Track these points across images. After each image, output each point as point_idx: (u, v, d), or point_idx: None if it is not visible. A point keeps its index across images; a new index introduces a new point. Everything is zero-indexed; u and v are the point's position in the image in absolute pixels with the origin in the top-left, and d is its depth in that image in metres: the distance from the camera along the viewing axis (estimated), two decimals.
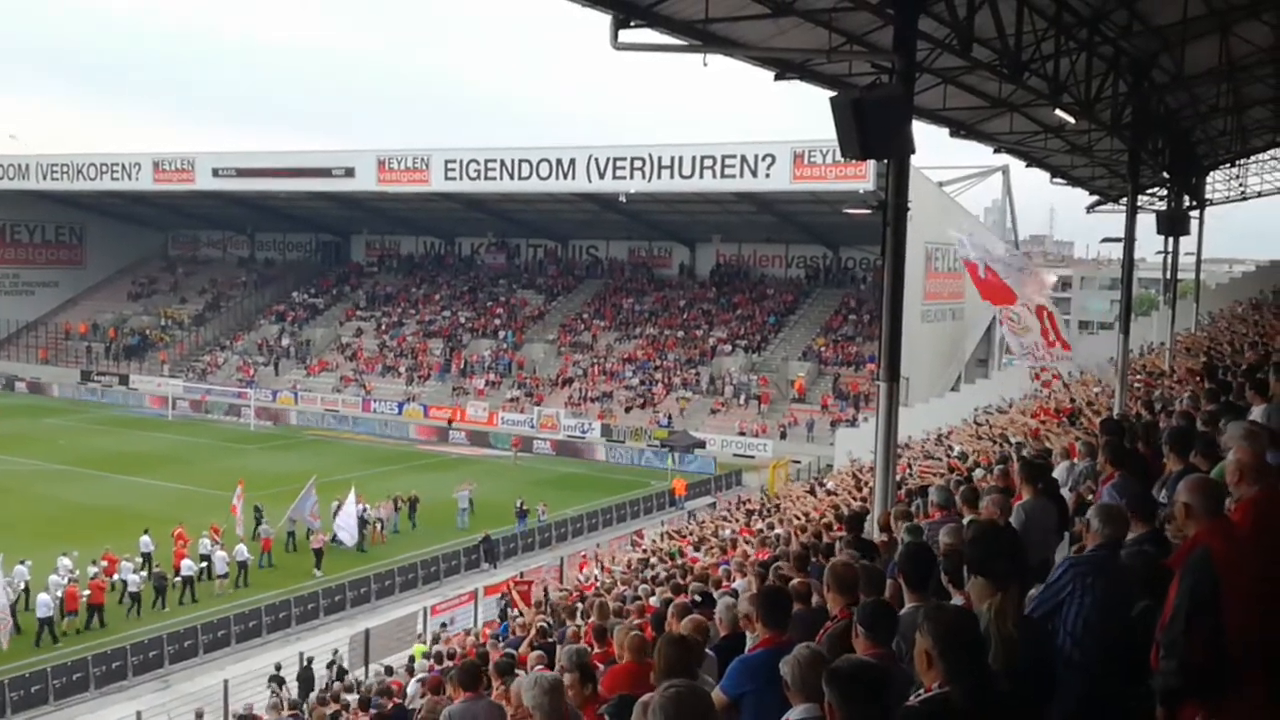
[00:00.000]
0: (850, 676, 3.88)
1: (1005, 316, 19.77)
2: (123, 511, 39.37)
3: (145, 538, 33.28)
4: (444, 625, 27.59)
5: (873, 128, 11.78)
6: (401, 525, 39.52)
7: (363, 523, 36.97)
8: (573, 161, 58.95)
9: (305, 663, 25.10)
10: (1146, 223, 31.36)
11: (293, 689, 23.35)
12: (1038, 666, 4.79)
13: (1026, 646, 4.76)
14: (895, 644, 5.38)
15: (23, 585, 29.29)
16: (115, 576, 30.55)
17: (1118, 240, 27.12)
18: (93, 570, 30.06)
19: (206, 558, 32.68)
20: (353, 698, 17.80)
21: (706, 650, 7.36)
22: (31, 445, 53.23)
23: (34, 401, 70.33)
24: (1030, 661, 4.72)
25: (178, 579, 31.44)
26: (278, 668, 24.65)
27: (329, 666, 24.78)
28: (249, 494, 36.31)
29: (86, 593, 28.94)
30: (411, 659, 23.39)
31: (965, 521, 8.60)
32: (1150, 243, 32.92)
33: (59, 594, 28.56)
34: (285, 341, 74.89)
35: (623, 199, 59.91)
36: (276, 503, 37.47)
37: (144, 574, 31.13)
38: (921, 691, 4.16)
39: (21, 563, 29.89)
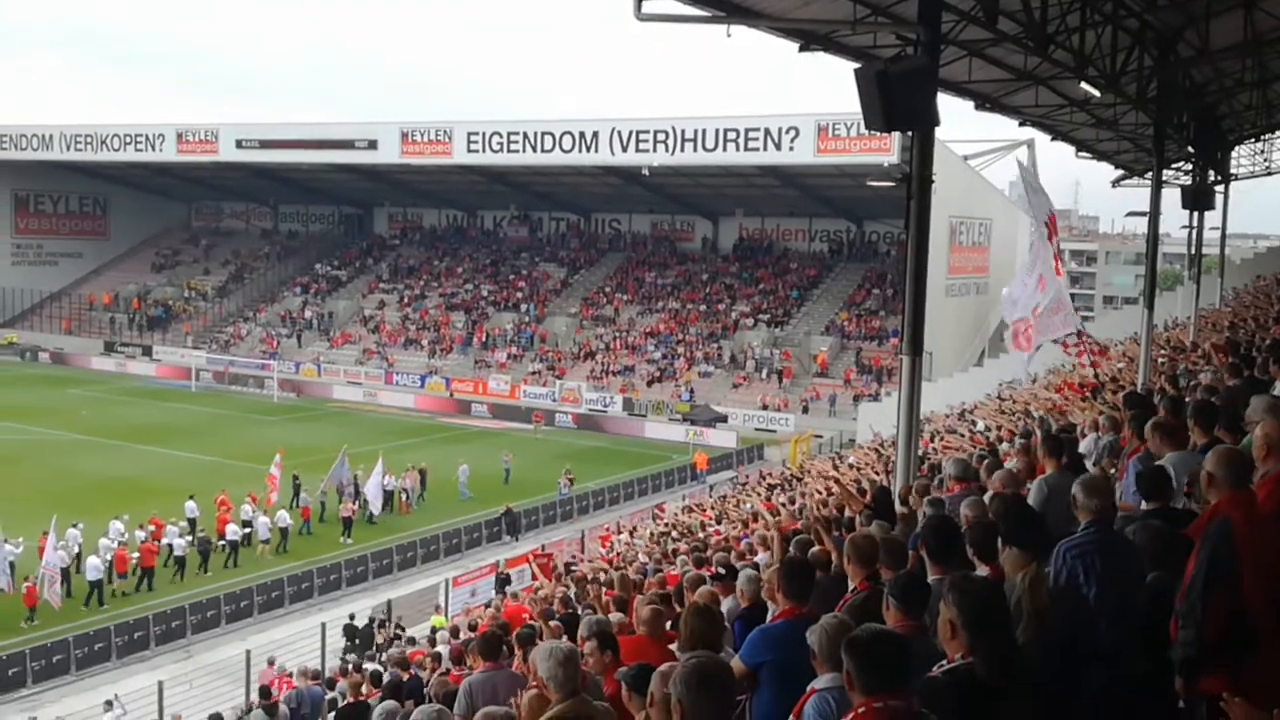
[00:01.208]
0: (869, 645, 3.87)
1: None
2: (146, 483, 39.68)
3: (190, 503, 33.92)
4: (507, 582, 28.02)
5: (897, 100, 11.69)
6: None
7: (388, 494, 37.46)
8: (595, 134, 58.84)
9: (368, 621, 25.74)
10: (1172, 198, 31.16)
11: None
12: (1068, 640, 4.77)
13: (1058, 620, 4.73)
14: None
15: (76, 549, 29.85)
16: (163, 540, 31.18)
17: (1143, 214, 26.90)
18: (141, 535, 30.70)
19: (249, 523, 33.31)
20: (372, 667, 17.92)
21: (725, 623, 7.36)
22: (55, 416, 53.64)
23: (57, 372, 70.83)
24: (1061, 635, 4.70)
25: (222, 543, 32.20)
26: (351, 617, 25.84)
27: (379, 626, 25.22)
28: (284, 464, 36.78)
29: (136, 555, 29.70)
30: (433, 630, 23.52)
31: (989, 494, 8.56)
32: (1175, 218, 32.79)
33: (108, 557, 29.30)
34: (308, 314, 75.15)
35: (645, 172, 59.75)
36: (303, 473, 37.76)
37: (189, 539, 31.78)
38: (945, 663, 4.16)
39: (74, 526, 30.49)
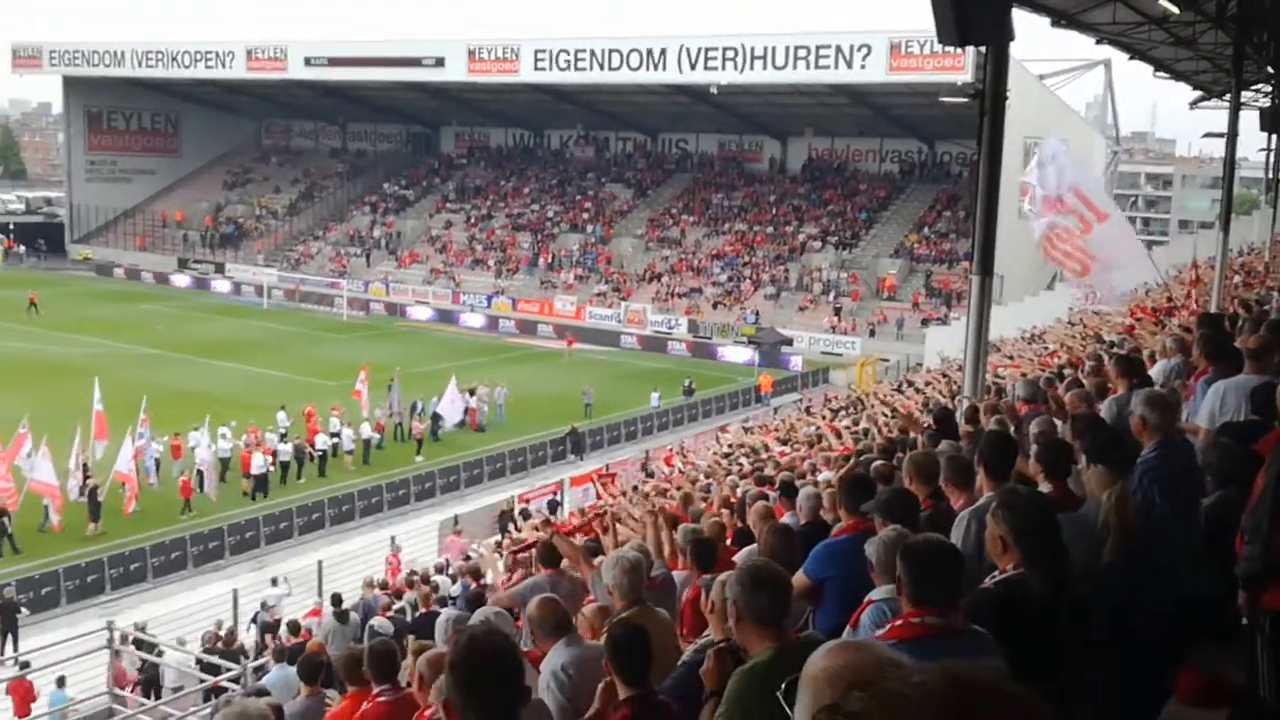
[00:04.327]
0: (923, 554, 3.87)
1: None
2: (224, 396, 40.23)
3: (281, 414, 34.96)
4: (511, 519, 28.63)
5: (971, 12, 11.42)
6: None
7: (464, 411, 38.47)
8: (664, 52, 58.15)
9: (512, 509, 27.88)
10: (1250, 120, 30.22)
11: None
12: (1152, 560, 4.72)
13: (1145, 538, 4.68)
14: (970, 527, 5.36)
15: (207, 448, 31.18)
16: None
17: (1220, 136, 26.17)
18: (250, 439, 32.43)
19: (336, 435, 34.40)
20: (441, 579, 18.26)
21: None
22: (129, 331, 54.66)
23: (131, 288, 72.08)
24: (1145, 555, 4.65)
25: (316, 453, 33.50)
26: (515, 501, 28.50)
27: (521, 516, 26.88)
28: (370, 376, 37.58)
29: (263, 459, 31.57)
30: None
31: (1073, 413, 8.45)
32: (1253, 140, 31.91)
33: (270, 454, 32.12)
34: (376, 233, 75.64)
35: (714, 90, 59.07)
36: (374, 389, 38.30)
37: (290, 446, 33.08)
38: (997, 574, 4.14)
39: (196, 429, 31.57)
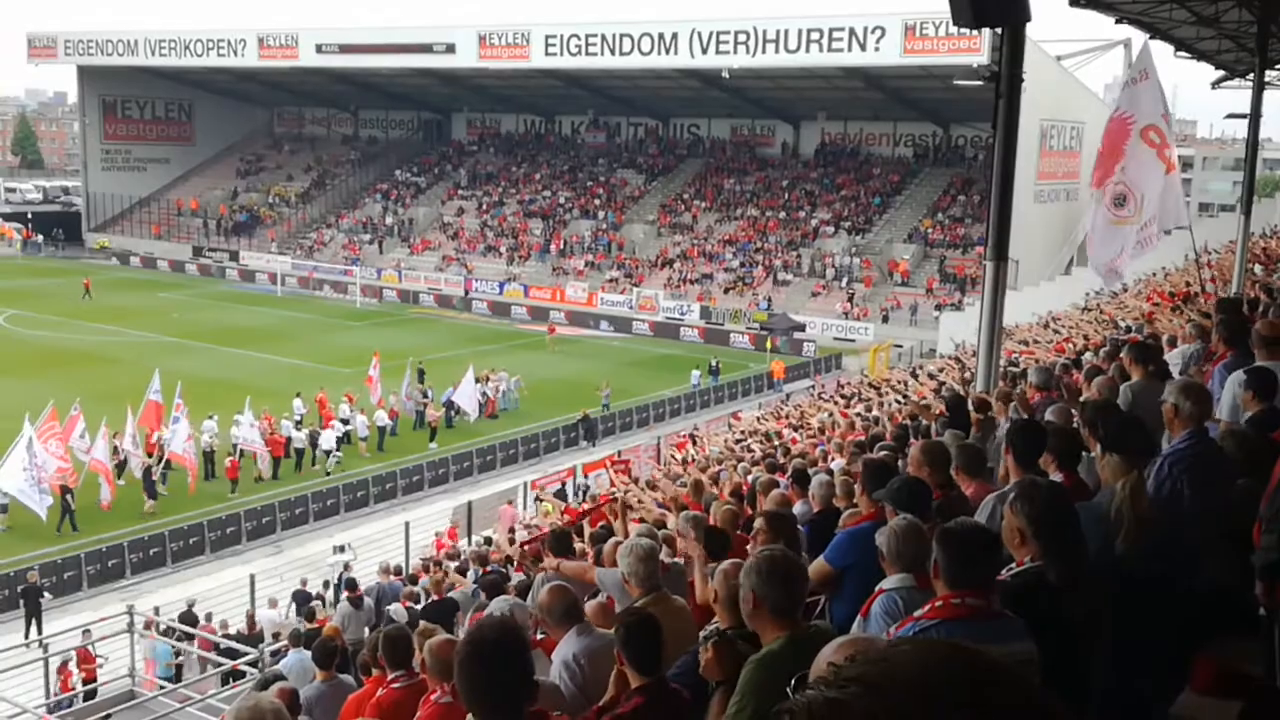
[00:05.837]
0: (962, 538, 3.85)
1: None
2: (240, 384, 40.22)
3: (297, 401, 35.05)
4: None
5: None
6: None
7: (484, 397, 38.44)
8: (675, 36, 57.95)
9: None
10: (1274, 100, 29.93)
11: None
12: (1166, 551, 4.67)
13: (1159, 530, 4.64)
14: (995, 511, 5.32)
15: (213, 439, 31.39)
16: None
17: (1242, 117, 25.93)
18: (266, 426, 32.33)
19: (348, 422, 34.52)
20: (452, 564, 18.27)
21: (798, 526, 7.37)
22: (146, 319, 54.88)
23: (148, 276, 72.29)
24: (1157, 545, 4.60)
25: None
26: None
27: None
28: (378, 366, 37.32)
29: (267, 450, 31.57)
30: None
31: (1083, 399, 8.39)
32: (1277, 121, 31.63)
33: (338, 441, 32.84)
34: (389, 220, 75.65)
35: (725, 75, 58.86)
36: (385, 376, 38.26)
37: (303, 433, 33.16)
38: (1014, 566, 4.10)
39: (210, 418, 31.86)
